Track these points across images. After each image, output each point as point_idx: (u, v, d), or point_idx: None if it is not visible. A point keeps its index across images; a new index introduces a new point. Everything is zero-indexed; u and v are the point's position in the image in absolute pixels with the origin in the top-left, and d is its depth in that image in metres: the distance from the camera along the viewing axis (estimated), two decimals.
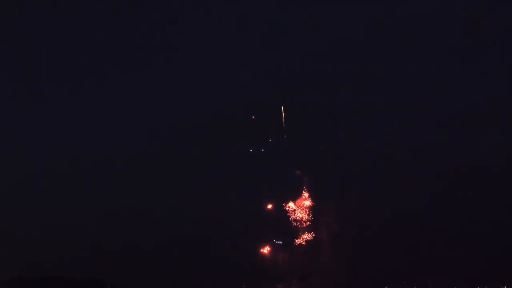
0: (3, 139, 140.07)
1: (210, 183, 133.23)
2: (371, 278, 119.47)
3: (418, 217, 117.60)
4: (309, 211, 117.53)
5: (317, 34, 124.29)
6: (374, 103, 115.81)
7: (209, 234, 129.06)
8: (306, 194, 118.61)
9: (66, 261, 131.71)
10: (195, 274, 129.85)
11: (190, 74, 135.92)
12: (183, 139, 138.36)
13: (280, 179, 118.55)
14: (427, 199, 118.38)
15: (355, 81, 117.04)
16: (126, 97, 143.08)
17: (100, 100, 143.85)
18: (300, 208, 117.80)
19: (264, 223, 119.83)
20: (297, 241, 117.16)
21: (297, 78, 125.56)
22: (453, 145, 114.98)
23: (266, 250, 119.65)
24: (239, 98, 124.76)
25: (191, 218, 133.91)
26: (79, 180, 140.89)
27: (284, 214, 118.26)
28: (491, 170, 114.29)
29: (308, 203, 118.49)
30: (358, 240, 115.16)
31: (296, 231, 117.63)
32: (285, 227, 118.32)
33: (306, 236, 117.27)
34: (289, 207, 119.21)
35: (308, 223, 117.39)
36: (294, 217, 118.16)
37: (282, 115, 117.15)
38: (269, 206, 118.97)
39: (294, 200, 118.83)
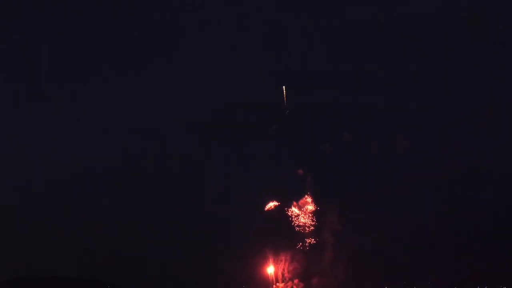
0: (1, 140, 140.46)
1: (210, 183, 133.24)
2: (372, 278, 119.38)
3: (419, 217, 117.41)
4: (312, 215, 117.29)
5: (318, 34, 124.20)
6: (376, 103, 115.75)
7: (208, 234, 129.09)
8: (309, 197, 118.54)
9: (66, 261, 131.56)
10: (195, 274, 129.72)
11: (190, 74, 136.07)
12: (183, 139, 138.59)
13: (282, 179, 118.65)
14: (428, 199, 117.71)
15: (356, 81, 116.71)
16: (126, 97, 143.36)
17: (100, 100, 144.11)
18: (303, 211, 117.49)
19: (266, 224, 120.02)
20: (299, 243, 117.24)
21: (298, 78, 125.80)
22: (455, 146, 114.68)
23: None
24: (239, 98, 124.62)
25: (191, 218, 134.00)
26: (80, 180, 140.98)
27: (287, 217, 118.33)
28: (492, 170, 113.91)
29: (311, 207, 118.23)
30: (359, 240, 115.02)
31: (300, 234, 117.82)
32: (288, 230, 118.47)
33: (309, 237, 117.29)
34: (292, 211, 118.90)
35: (311, 227, 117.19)
36: (297, 222, 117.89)
37: (284, 114, 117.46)
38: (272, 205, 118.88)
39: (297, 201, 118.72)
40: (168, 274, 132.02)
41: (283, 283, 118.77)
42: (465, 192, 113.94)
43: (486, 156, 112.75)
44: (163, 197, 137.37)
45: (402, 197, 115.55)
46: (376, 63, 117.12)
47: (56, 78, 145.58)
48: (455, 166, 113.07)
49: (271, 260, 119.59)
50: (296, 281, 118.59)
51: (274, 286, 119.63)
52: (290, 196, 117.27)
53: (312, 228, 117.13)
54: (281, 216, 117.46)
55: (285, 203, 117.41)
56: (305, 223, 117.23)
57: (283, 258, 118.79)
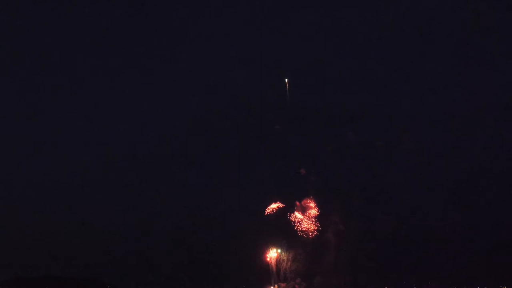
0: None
1: (210, 183, 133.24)
2: (372, 278, 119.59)
3: (421, 217, 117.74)
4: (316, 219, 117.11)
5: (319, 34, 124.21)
6: (381, 103, 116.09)
7: (208, 234, 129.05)
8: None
9: (66, 261, 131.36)
10: (195, 274, 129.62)
11: (192, 74, 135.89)
12: (183, 138, 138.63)
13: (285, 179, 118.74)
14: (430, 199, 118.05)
15: (360, 81, 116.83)
16: (127, 97, 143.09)
17: (103, 101, 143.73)
18: (306, 216, 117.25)
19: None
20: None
21: (299, 78, 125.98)
22: (458, 146, 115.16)
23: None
24: (241, 98, 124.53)
25: (191, 218, 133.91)
26: (80, 180, 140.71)
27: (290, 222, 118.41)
28: (494, 171, 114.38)
29: (314, 211, 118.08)
30: (361, 240, 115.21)
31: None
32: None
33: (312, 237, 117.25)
34: (295, 216, 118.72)
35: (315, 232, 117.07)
36: (301, 227, 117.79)
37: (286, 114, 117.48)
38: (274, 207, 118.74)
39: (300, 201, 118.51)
40: (168, 274, 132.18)
41: (285, 283, 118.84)
42: (467, 192, 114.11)
43: (491, 157, 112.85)
44: (164, 197, 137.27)
45: (405, 197, 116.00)
46: (379, 62, 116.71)
47: (56, 78, 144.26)
48: (458, 167, 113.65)
49: (272, 259, 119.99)
50: (298, 280, 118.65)
51: (275, 285, 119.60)
52: (292, 196, 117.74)
53: (316, 233, 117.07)
54: (284, 221, 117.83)
55: (288, 207, 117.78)
56: (308, 228, 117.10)
57: (285, 258, 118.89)
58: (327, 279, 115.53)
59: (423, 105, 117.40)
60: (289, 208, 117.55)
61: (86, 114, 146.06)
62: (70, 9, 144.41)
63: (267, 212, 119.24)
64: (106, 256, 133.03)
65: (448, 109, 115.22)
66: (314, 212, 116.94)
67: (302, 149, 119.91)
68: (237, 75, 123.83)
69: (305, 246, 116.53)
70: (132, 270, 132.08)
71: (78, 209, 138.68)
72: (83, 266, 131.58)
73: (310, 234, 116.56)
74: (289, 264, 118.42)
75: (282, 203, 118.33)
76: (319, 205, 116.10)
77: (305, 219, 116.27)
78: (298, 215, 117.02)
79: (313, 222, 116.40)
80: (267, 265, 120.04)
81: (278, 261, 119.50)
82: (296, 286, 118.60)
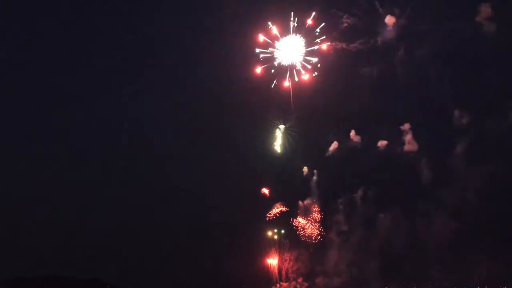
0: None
1: (211, 183, 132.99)
2: (372, 278, 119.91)
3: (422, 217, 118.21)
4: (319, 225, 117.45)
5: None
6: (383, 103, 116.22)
7: (209, 235, 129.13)
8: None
9: (66, 261, 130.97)
10: (195, 274, 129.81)
11: (194, 71, 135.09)
12: (184, 138, 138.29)
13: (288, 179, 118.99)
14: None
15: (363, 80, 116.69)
16: (124, 94, 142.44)
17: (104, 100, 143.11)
18: (309, 221, 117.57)
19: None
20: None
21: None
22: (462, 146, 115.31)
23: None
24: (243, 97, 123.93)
25: (191, 218, 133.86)
26: (80, 180, 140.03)
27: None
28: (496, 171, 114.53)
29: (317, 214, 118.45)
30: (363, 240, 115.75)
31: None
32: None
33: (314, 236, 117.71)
34: (298, 222, 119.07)
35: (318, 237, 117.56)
36: (304, 232, 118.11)
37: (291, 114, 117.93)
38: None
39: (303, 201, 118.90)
40: (168, 274, 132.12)
41: (287, 283, 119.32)
42: (470, 192, 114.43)
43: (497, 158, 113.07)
44: (164, 197, 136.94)
45: (408, 198, 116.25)
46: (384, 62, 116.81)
47: (55, 78, 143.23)
48: (462, 167, 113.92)
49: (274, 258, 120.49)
50: (300, 280, 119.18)
51: (277, 285, 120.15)
52: (295, 197, 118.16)
53: (319, 238, 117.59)
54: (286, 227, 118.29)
55: (291, 210, 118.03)
56: (312, 233, 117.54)
57: (287, 257, 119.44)
58: (329, 279, 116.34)
59: (427, 107, 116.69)
60: (292, 210, 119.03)
61: (86, 113, 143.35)
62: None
63: (269, 217, 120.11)
64: (106, 256, 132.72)
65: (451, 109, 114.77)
66: (317, 215, 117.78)
67: (305, 148, 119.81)
68: (239, 73, 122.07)
69: (308, 246, 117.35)
70: (132, 270, 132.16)
71: (78, 209, 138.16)
72: (83, 266, 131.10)
73: (313, 239, 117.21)
74: (291, 264, 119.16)
75: (285, 207, 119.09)
76: (322, 206, 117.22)
77: (309, 224, 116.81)
78: (301, 220, 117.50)
79: (317, 227, 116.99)
80: (268, 264, 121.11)
81: (280, 261, 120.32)
82: (298, 286, 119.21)
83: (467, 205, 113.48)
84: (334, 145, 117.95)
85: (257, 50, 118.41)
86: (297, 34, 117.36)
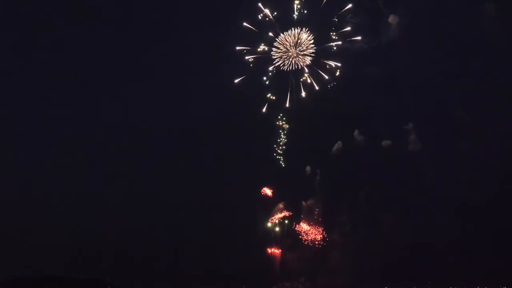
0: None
1: (212, 183, 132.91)
2: (372, 278, 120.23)
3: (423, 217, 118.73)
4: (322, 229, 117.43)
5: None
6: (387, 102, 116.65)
7: (209, 235, 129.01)
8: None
9: (66, 261, 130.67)
10: (195, 273, 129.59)
11: (196, 68, 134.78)
12: (185, 137, 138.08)
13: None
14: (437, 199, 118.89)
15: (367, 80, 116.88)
16: (124, 94, 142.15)
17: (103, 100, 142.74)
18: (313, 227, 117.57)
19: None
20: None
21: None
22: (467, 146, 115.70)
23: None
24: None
25: (192, 218, 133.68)
26: (80, 180, 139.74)
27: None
28: (499, 171, 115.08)
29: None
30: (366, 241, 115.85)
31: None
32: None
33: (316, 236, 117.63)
34: (301, 227, 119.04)
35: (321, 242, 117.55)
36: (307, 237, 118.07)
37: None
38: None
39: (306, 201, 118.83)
40: (169, 274, 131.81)
41: (290, 282, 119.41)
42: (473, 192, 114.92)
43: (499, 157, 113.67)
44: (164, 197, 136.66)
45: (412, 197, 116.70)
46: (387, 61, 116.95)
47: (54, 78, 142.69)
48: (465, 167, 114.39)
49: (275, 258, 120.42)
50: (302, 279, 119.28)
51: (279, 284, 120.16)
52: (298, 197, 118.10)
53: (322, 242, 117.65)
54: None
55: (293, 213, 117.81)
56: (315, 238, 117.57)
57: (289, 257, 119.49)
58: (331, 278, 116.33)
59: (430, 105, 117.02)
60: (295, 212, 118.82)
61: (86, 112, 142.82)
62: None
63: (272, 221, 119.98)
64: (106, 256, 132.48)
65: (454, 108, 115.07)
66: (319, 218, 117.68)
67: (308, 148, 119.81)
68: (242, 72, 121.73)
69: (310, 247, 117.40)
70: (133, 270, 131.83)
71: (79, 209, 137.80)
72: (83, 266, 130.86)
73: (316, 244, 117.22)
74: (293, 263, 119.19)
75: (288, 210, 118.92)
76: (325, 206, 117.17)
77: (312, 229, 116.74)
78: (304, 226, 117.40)
79: (320, 232, 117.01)
80: (270, 264, 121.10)
81: (282, 260, 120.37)
82: (300, 285, 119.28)
83: (470, 205, 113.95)
84: (338, 145, 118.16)
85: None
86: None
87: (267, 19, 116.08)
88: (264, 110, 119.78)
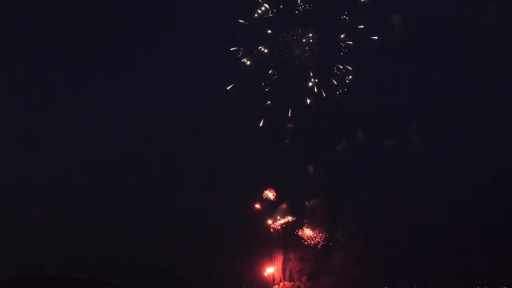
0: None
1: (212, 183, 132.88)
2: (372, 278, 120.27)
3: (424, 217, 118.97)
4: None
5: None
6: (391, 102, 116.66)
7: (210, 235, 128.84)
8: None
9: (66, 261, 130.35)
10: (196, 274, 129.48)
11: (198, 65, 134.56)
12: (185, 137, 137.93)
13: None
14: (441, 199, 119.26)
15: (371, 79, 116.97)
16: (119, 95, 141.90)
17: (102, 100, 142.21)
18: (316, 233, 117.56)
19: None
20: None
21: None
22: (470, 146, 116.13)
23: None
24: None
25: (192, 218, 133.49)
26: (79, 180, 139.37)
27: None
28: (502, 171, 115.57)
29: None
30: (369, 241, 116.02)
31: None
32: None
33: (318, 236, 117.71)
34: (304, 233, 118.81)
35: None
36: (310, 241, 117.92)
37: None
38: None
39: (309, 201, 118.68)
40: (169, 274, 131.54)
41: (291, 282, 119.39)
42: (476, 192, 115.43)
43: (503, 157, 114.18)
44: (164, 196, 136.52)
45: (415, 198, 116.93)
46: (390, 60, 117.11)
47: (53, 80, 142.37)
48: (469, 167, 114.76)
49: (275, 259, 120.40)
50: (304, 279, 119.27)
51: (281, 284, 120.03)
52: (301, 198, 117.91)
53: (325, 242, 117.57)
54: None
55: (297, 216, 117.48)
56: (318, 241, 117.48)
57: (291, 257, 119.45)
58: (334, 279, 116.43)
59: (435, 105, 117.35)
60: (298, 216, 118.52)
61: (86, 112, 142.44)
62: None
63: (275, 227, 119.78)
64: (106, 256, 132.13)
65: (460, 109, 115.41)
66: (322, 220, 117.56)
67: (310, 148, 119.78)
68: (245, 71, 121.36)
69: (313, 247, 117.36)
70: (133, 270, 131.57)
71: (79, 209, 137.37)
72: (83, 266, 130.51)
73: (319, 246, 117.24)
74: (295, 263, 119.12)
75: (291, 215, 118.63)
76: (328, 206, 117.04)
77: (315, 234, 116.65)
78: (307, 231, 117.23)
79: (323, 236, 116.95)
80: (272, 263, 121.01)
81: (284, 260, 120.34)
82: (302, 285, 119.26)
83: (471, 205, 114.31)
84: (341, 145, 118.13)
85: None
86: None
87: (265, 16, 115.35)
88: (261, 124, 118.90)
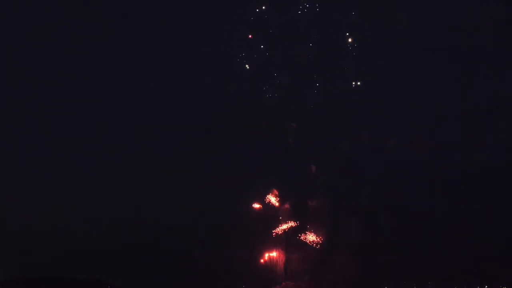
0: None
1: (213, 183, 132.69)
2: (372, 278, 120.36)
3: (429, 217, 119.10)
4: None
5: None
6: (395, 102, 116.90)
7: (210, 236, 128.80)
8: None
9: (66, 261, 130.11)
10: (196, 274, 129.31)
11: (195, 75, 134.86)
12: (186, 137, 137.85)
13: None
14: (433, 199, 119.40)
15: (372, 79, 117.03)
16: (124, 98, 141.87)
17: (102, 103, 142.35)
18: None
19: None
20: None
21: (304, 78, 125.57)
22: (472, 146, 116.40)
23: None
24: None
25: (192, 218, 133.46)
26: (79, 180, 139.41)
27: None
28: (497, 170, 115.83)
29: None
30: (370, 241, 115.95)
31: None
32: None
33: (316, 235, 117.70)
34: (307, 238, 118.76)
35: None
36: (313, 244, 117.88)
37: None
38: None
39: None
40: (167, 274, 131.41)
41: (294, 281, 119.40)
42: (477, 192, 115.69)
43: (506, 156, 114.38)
44: (165, 197, 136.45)
45: (415, 197, 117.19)
46: (392, 60, 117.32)
47: (53, 80, 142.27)
48: (470, 168, 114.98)
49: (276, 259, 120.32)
50: (306, 278, 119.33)
51: (283, 283, 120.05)
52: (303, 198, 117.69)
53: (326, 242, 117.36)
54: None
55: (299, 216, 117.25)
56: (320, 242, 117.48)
57: (293, 257, 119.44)
58: (335, 278, 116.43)
59: (437, 104, 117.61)
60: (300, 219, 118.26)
61: (86, 112, 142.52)
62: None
63: (276, 232, 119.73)
64: (106, 256, 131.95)
65: (468, 108, 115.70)
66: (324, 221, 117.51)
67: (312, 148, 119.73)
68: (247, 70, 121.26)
69: (315, 247, 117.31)
70: (133, 270, 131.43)
71: (79, 209, 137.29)
72: (83, 266, 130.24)
73: (319, 246, 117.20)
74: (297, 263, 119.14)
75: (293, 219, 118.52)
76: (330, 206, 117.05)
77: (318, 239, 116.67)
78: (310, 237, 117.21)
79: (325, 239, 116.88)
80: (274, 263, 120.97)
81: (286, 259, 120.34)
82: (303, 285, 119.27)
83: (476, 204, 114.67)
84: (344, 144, 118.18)
85: None
86: None
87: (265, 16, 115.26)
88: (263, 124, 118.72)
